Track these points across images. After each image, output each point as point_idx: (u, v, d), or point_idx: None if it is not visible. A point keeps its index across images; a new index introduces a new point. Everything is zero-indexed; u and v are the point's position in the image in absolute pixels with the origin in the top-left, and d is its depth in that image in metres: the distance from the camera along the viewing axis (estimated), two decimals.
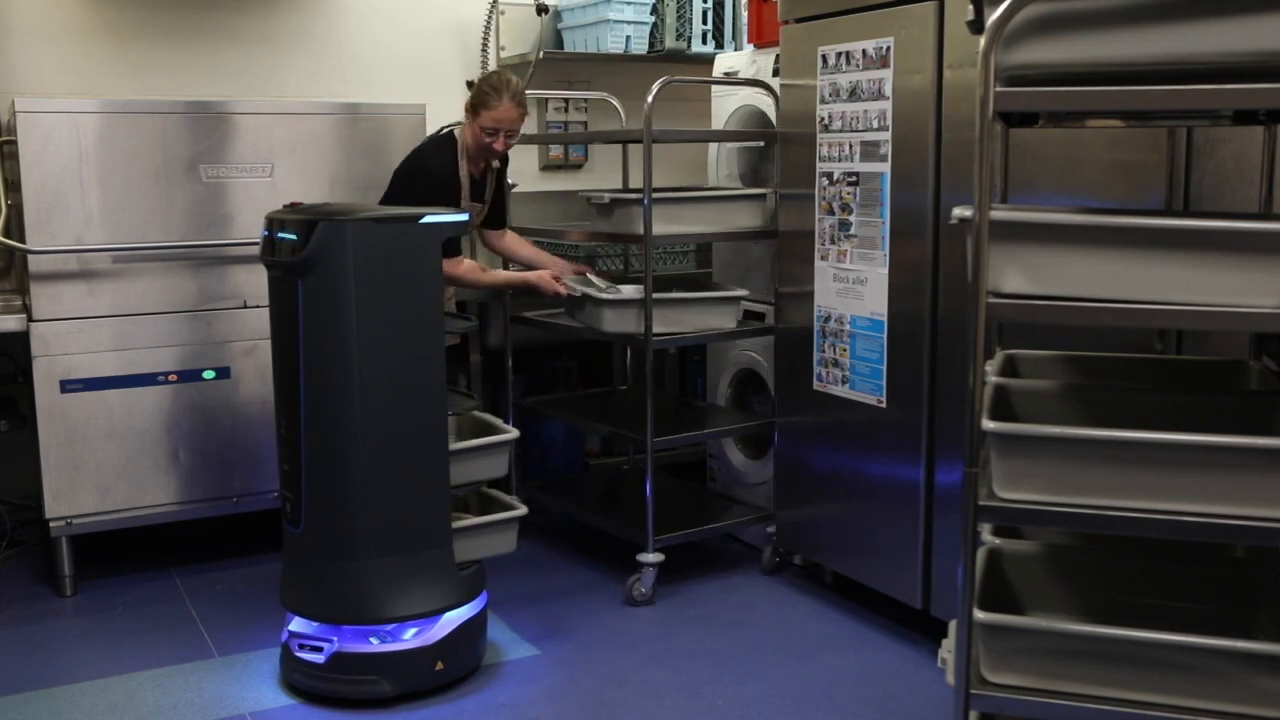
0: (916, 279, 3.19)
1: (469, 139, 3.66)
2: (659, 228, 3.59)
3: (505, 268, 4.06)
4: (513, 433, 3.33)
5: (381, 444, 2.92)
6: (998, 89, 1.98)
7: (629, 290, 3.73)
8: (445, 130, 3.78)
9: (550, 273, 3.80)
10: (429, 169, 3.63)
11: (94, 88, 4.17)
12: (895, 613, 3.42)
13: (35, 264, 3.55)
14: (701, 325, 3.78)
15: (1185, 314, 2.00)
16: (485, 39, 4.77)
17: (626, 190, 4.12)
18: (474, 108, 3.60)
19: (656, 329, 3.62)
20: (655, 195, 3.55)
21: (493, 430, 3.34)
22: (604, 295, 3.70)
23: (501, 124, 3.60)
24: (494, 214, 3.94)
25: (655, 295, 3.63)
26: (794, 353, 3.66)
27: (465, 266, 3.68)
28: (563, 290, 3.76)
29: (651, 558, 3.63)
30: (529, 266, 3.95)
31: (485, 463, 3.25)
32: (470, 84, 3.71)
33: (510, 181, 4.13)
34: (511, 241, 4.04)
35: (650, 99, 3.52)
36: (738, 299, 3.85)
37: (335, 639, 2.96)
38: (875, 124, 3.27)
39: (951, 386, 3.12)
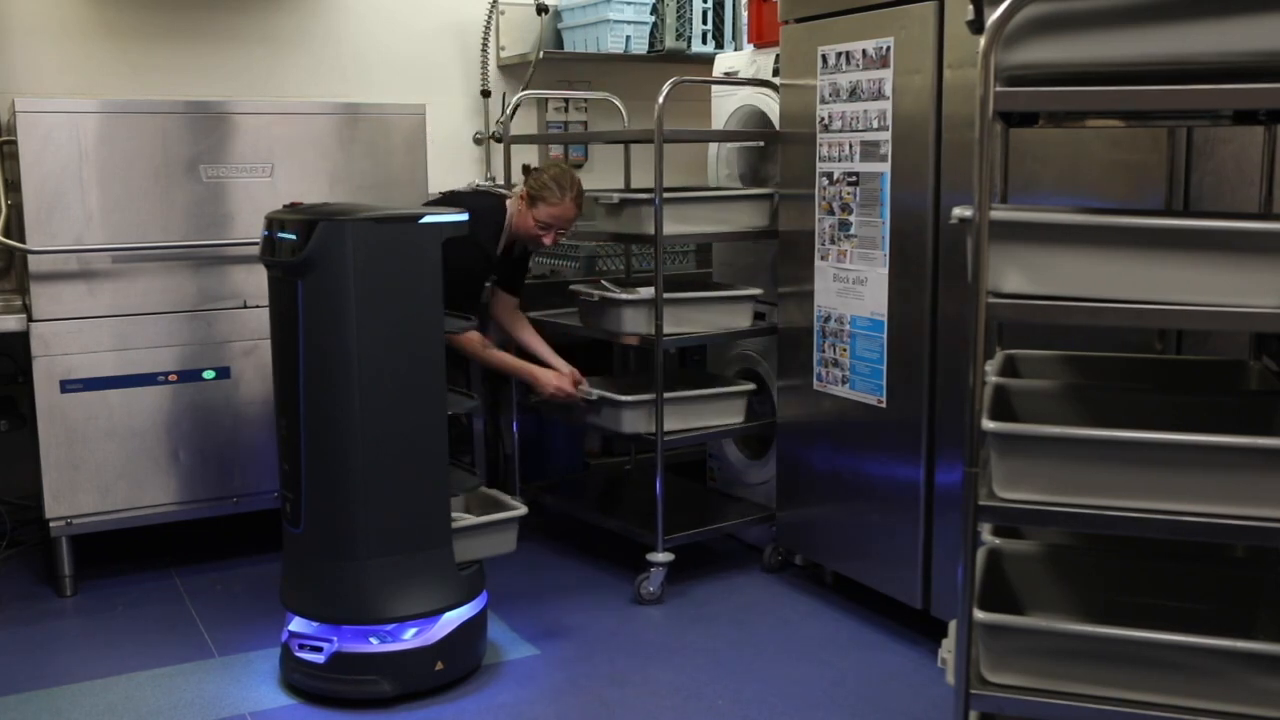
0: (916, 279, 3.20)
1: (518, 223, 3.61)
2: (669, 228, 3.59)
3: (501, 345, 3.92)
4: (520, 509, 3.31)
5: (381, 444, 2.92)
6: (998, 89, 1.98)
7: (646, 291, 3.73)
8: (497, 193, 3.71)
9: (561, 377, 3.77)
10: (478, 238, 3.44)
11: (94, 88, 4.18)
12: (895, 613, 3.42)
13: (35, 264, 3.55)
14: (714, 325, 3.79)
15: (1185, 314, 1.99)
16: (485, 39, 4.77)
17: (633, 190, 4.12)
18: (533, 199, 3.54)
19: (668, 329, 3.62)
20: (665, 195, 3.55)
21: (500, 506, 3.33)
22: (622, 295, 3.71)
23: (558, 221, 3.57)
24: (510, 278, 3.86)
25: (670, 295, 3.63)
26: (794, 353, 3.66)
27: (466, 337, 3.56)
28: (568, 397, 3.76)
29: (661, 557, 3.63)
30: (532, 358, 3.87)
31: (492, 539, 3.24)
32: (526, 168, 3.65)
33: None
34: (521, 324, 3.92)
35: (662, 99, 3.52)
36: (751, 298, 3.86)
37: (335, 639, 2.96)
38: (875, 124, 3.27)
39: (951, 386, 3.12)
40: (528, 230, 3.59)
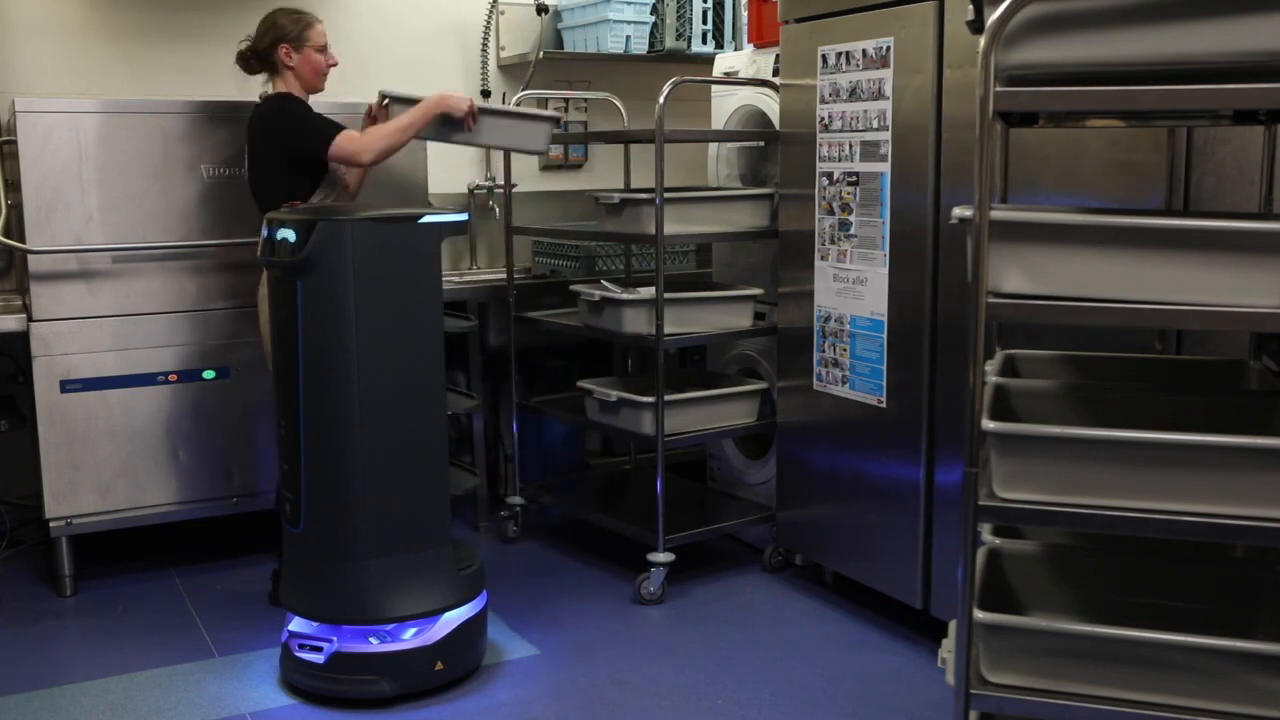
0: (916, 279, 3.20)
1: (307, 74, 3.49)
2: (669, 228, 3.59)
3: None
4: (761, 384, 3.87)
5: (381, 444, 2.92)
6: (998, 89, 1.98)
7: (646, 291, 3.73)
8: (277, 93, 3.56)
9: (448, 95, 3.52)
10: (291, 101, 3.45)
11: (94, 88, 4.17)
12: (895, 613, 3.42)
13: (35, 264, 3.55)
14: (715, 325, 3.79)
15: (1185, 314, 1.99)
16: (485, 39, 4.77)
17: (633, 190, 4.13)
18: (297, 39, 3.45)
19: (669, 329, 3.63)
20: (666, 195, 3.55)
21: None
22: (623, 295, 3.71)
23: (327, 39, 3.53)
24: None
25: (670, 295, 3.64)
26: (794, 353, 3.66)
27: (352, 135, 3.38)
28: (468, 112, 3.50)
29: (662, 557, 3.63)
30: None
31: (523, 132, 3.64)
32: (244, 52, 3.52)
33: (513, 181, 4.18)
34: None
35: (663, 99, 3.52)
36: (751, 298, 3.87)
37: (335, 639, 2.96)
38: (875, 124, 3.27)
39: (951, 386, 3.12)
40: (318, 70, 3.51)
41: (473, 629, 3.10)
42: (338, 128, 3.40)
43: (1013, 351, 2.62)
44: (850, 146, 3.36)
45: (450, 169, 4.74)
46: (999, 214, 2.04)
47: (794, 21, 3.54)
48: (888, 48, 3.20)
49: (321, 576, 2.99)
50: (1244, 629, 2.22)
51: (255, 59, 3.53)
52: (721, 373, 4.20)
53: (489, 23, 4.76)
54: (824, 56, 3.42)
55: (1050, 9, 1.96)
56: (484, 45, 4.77)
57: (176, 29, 4.30)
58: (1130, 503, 2.04)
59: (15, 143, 3.50)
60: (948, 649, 2.23)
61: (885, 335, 3.30)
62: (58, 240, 3.56)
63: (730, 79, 4.10)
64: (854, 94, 3.33)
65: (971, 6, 2.05)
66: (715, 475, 4.35)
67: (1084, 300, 2.02)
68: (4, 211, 3.78)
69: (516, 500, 4.25)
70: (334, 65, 3.59)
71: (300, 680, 3.01)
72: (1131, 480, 2.03)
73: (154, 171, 3.66)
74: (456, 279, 4.35)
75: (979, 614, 2.10)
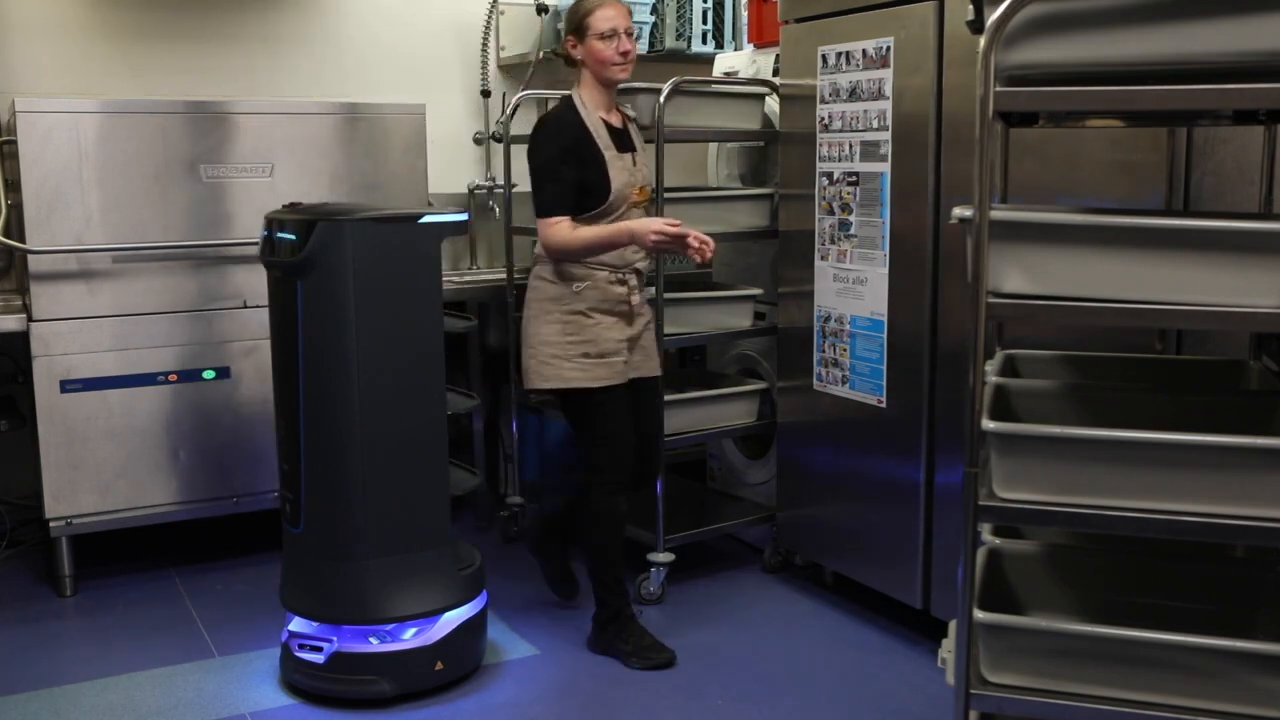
0: (916, 279, 3.19)
1: (594, 68, 3.20)
2: None
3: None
4: (761, 384, 3.86)
5: (381, 444, 2.92)
6: (998, 89, 1.98)
7: (647, 290, 3.72)
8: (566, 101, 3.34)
9: (654, 220, 3.14)
10: (555, 126, 3.19)
11: (94, 88, 4.17)
12: (895, 613, 3.42)
13: (35, 264, 3.55)
14: (715, 325, 3.80)
15: (1185, 314, 1.99)
16: (485, 39, 4.77)
17: None
18: (579, 29, 3.18)
19: (669, 329, 3.62)
20: (666, 195, 3.55)
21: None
22: None
23: (615, 22, 3.16)
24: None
25: (670, 295, 3.64)
26: (794, 353, 3.66)
27: (558, 228, 3.11)
28: (674, 238, 3.03)
29: (662, 557, 3.63)
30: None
31: (735, 408, 3.78)
32: (558, 52, 3.35)
33: (513, 182, 4.14)
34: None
35: (662, 99, 3.52)
36: (751, 298, 3.87)
37: (335, 639, 2.96)
38: (875, 124, 3.27)
39: (951, 386, 3.12)
40: (602, 60, 3.17)
41: (473, 629, 3.10)
42: (560, 204, 3.11)
43: (1013, 351, 2.62)
44: (850, 146, 3.36)
45: (450, 169, 4.74)
46: (999, 214, 2.04)
47: (794, 21, 3.54)
48: (888, 48, 3.20)
49: (321, 576, 2.99)
50: (1244, 629, 2.22)
51: (566, 61, 3.27)
52: (721, 373, 4.20)
53: (489, 23, 4.76)
54: (824, 56, 3.42)
55: (1050, 9, 1.96)
56: (484, 45, 4.77)
57: (176, 29, 4.30)
58: (1130, 503, 2.04)
59: (15, 143, 3.50)
60: (948, 649, 2.23)
61: (885, 335, 3.30)
62: (58, 240, 3.56)
63: (730, 79, 4.10)
64: (854, 94, 3.33)
65: (971, 6, 2.05)
66: (715, 475, 4.35)
67: (1084, 300, 2.02)
68: (4, 211, 3.78)
69: (516, 500, 4.25)
70: (625, 53, 3.19)
71: (300, 680, 3.01)
72: (1131, 480, 2.03)
73: (154, 171, 3.66)
74: (456, 279, 4.35)
75: (979, 614, 2.10)
